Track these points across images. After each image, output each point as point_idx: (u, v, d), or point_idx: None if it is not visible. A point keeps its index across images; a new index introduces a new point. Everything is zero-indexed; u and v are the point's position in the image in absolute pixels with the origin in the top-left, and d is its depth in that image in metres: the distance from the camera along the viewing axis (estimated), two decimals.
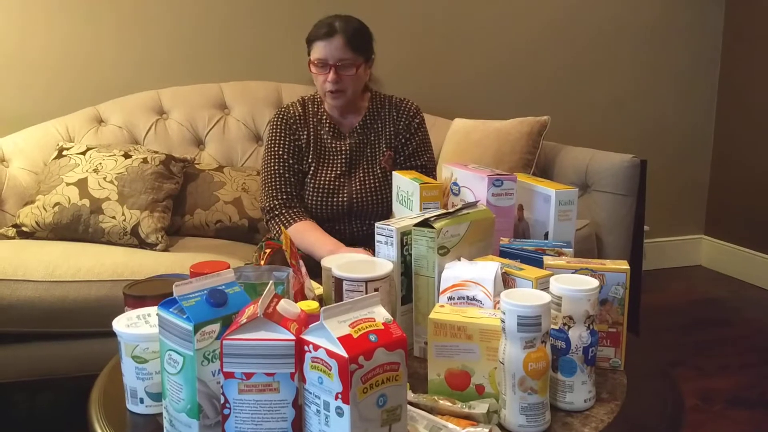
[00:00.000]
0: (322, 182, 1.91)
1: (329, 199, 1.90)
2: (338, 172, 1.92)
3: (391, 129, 1.96)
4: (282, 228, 1.86)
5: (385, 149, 1.95)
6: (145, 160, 2.19)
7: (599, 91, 3.25)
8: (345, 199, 1.90)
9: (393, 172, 1.57)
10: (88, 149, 2.23)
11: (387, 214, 1.92)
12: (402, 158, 1.96)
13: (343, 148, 1.93)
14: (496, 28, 3.06)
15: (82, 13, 2.58)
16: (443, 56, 3.00)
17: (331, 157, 1.94)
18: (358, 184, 1.92)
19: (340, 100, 1.87)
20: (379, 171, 1.93)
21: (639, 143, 3.25)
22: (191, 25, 2.70)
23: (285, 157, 1.92)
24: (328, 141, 1.94)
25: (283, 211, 1.89)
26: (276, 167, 1.91)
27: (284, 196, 1.90)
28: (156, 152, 2.27)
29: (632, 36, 3.26)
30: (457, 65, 3.02)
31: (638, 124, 3.34)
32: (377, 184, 1.92)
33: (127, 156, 2.20)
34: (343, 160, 1.93)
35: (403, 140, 1.96)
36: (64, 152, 2.23)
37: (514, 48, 3.10)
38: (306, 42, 1.89)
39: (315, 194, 1.91)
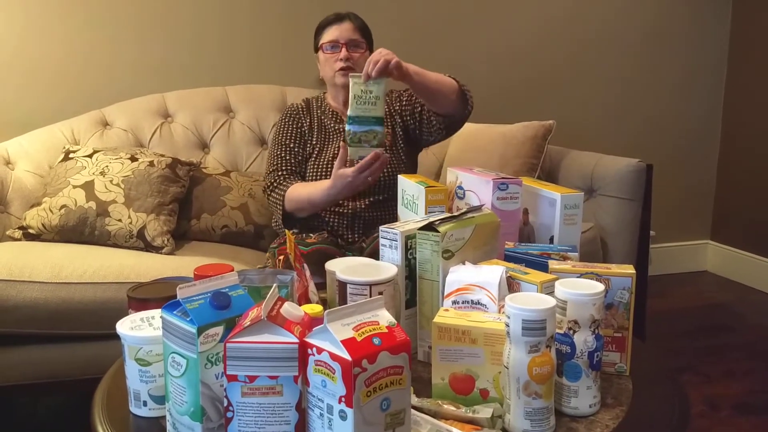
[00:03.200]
0: (324, 161, 1.99)
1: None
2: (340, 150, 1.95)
3: (387, 110, 2.04)
4: (281, 199, 1.95)
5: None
6: (151, 164, 2.19)
7: (605, 95, 3.25)
8: None
9: (398, 176, 1.57)
10: (95, 152, 2.24)
11: (389, 190, 1.96)
12: (409, 111, 2.04)
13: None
14: (500, 32, 3.06)
15: (79, 17, 2.59)
16: (447, 61, 3.00)
17: (334, 138, 2.03)
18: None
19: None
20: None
21: (645, 148, 3.24)
22: (195, 28, 2.71)
23: (287, 142, 2.04)
24: (332, 125, 2.05)
25: (281, 182, 1.98)
26: (279, 152, 2.03)
27: (283, 173, 2.00)
28: (162, 156, 2.27)
29: (638, 39, 3.25)
30: (462, 69, 3.01)
31: (644, 129, 3.34)
32: None
33: (133, 159, 2.20)
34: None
35: (401, 107, 2.06)
36: (71, 155, 2.24)
37: (519, 51, 3.10)
38: (315, 32, 2.06)
39: (318, 173, 1.98)
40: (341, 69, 1.96)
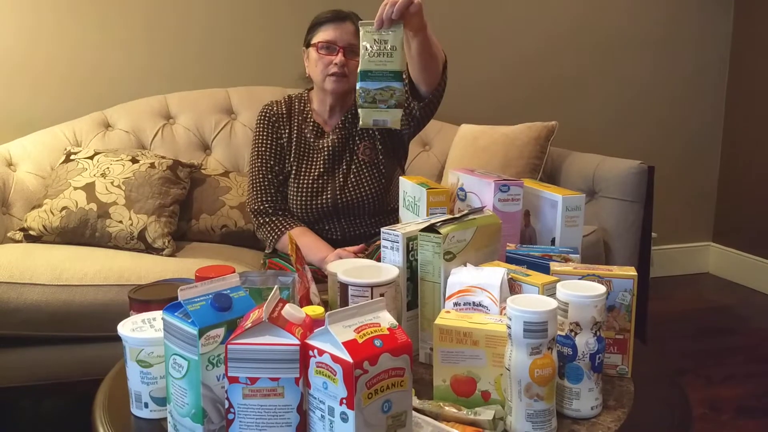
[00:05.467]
0: (304, 183, 1.90)
1: (314, 200, 1.90)
2: (321, 170, 1.91)
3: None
4: (275, 236, 1.88)
5: (359, 141, 1.93)
6: (152, 165, 2.19)
7: (607, 97, 3.25)
8: (329, 197, 1.90)
9: (399, 177, 1.57)
10: (96, 154, 2.24)
11: (374, 210, 1.92)
12: None
13: (326, 146, 1.92)
14: (503, 34, 3.06)
15: (89, 20, 2.60)
16: (450, 61, 3.00)
17: (313, 157, 1.93)
18: (340, 180, 1.91)
19: (342, 84, 1.85)
20: (361, 164, 1.92)
21: (647, 150, 3.24)
22: (198, 30, 2.71)
23: (268, 157, 1.93)
24: (311, 140, 1.93)
25: (273, 219, 1.91)
26: (261, 169, 1.93)
27: (271, 199, 1.92)
28: (163, 157, 2.27)
29: (640, 42, 3.25)
30: (465, 71, 3.02)
31: (646, 131, 3.34)
32: (360, 179, 1.91)
33: (134, 161, 2.21)
34: (326, 158, 1.91)
35: None
36: (72, 156, 2.24)
37: (522, 53, 3.10)
38: (310, 27, 1.89)
39: (299, 196, 1.90)
40: (333, 74, 1.82)
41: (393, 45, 1.40)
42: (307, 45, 1.90)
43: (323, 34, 1.84)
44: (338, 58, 1.81)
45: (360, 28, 1.43)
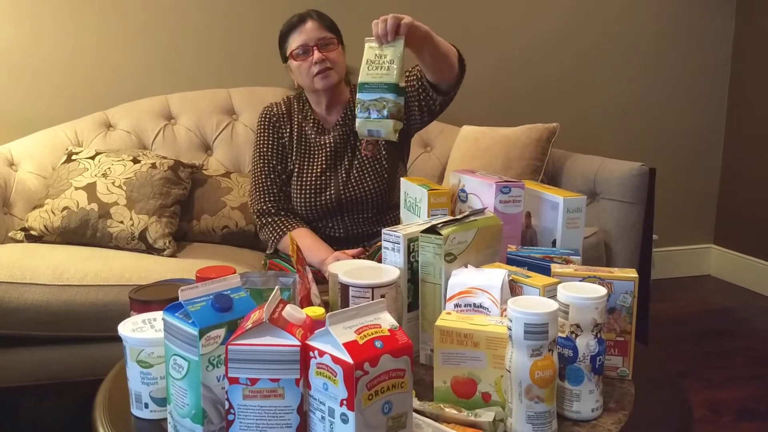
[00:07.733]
0: (307, 180, 1.92)
1: (317, 197, 1.91)
2: (323, 167, 1.92)
3: None
4: (277, 236, 1.89)
5: (360, 138, 1.94)
6: (153, 166, 2.19)
7: (608, 99, 3.25)
8: (332, 194, 1.90)
9: (401, 179, 1.57)
10: (97, 154, 2.24)
11: (378, 206, 1.92)
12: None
13: (327, 142, 1.93)
14: (504, 35, 3.06)
15: (91, 20, 2.60)
16: None
17: (316, 154, 1.94)
18: (343, 176, 1.91)
19: (330, 79, 1.87)
20: (364, 160, 1.92)
21: (648, 151, 3.24)
22: (200, 30, 2.71)
23: (270, 157, 1.94)
24: (312, 137, 1.95)
25: (275, 219, 1.91)
26: (263, 170, 1.95)
27: (273, 199, 1.93)
28: (165, 158, 2.27)
29: (641, 44, 3.25)
30: (468, 73, 3.02)
31: (647, 132, 3.33)
32: (363, 175, 1.91)
33: (135, 161, 2.21)
34: (328, 155, 1.92)
35: None
36: (73, 157, 2.24)
37: (523, 55, 3.10)
38: (279, 42, 1.93)
39: (302, 193, 1.92)
40: (318, 73, 1.85)
41: (391, 59, 1.47)
42: (285, 59, 1.94)
43: (293, 43, 1.88)
44: (316, 55, 1.85)
45: (365, 44, 1.50)
